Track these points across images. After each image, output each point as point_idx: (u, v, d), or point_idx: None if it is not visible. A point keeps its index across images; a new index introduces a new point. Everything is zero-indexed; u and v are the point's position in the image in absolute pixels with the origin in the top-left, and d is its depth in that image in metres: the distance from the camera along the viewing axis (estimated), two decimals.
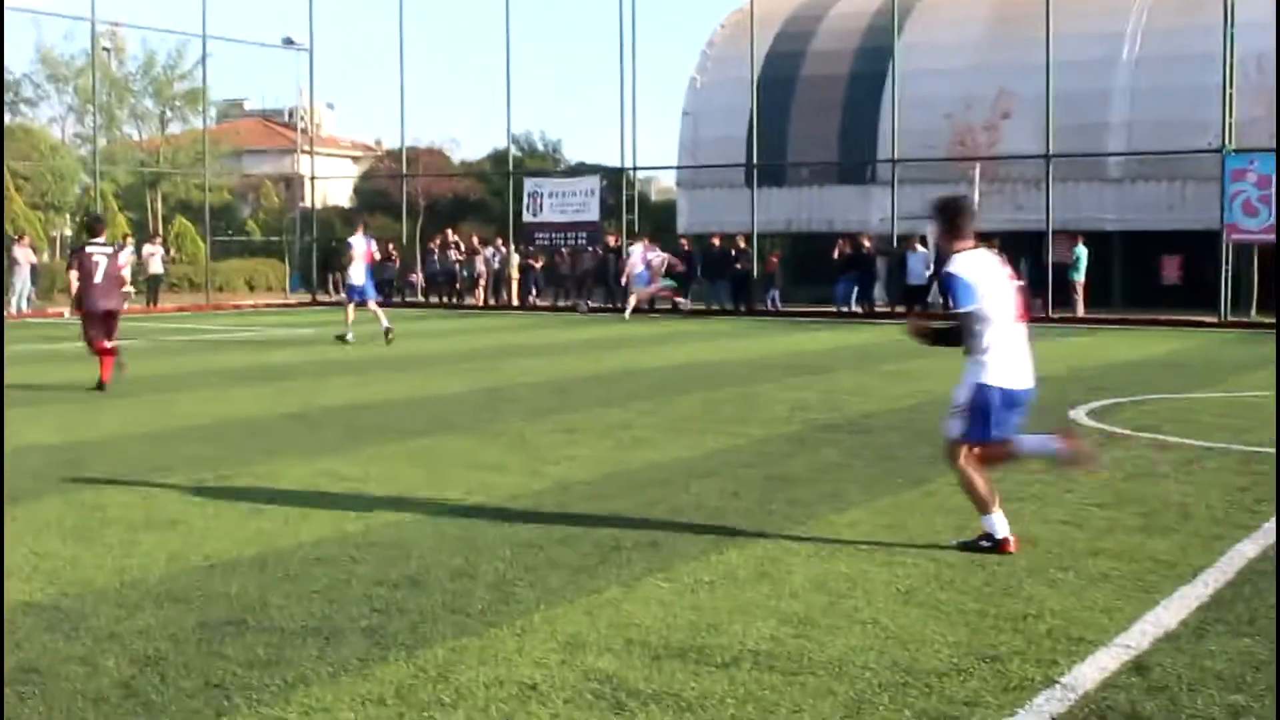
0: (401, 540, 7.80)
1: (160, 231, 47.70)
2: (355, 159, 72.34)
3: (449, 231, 43.49)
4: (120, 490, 9.41)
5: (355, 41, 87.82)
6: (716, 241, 38.15)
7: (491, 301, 41.21)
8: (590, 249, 40.12)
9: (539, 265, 41.28)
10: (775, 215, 41.29)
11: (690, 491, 9.39)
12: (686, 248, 38.87)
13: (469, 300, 41.77)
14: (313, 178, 49.13)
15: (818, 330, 29.74)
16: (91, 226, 17.49)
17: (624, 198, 41.19)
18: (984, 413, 7.34)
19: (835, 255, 36.33)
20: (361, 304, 25.16)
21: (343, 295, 28.26)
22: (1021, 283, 8.20)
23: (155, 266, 39.99)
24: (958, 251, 7.45)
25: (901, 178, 36.75)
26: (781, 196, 41.85)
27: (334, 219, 55.24)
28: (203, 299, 42.88)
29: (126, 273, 25.49)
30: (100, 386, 15.94)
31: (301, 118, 53.07)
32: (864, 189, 41.27)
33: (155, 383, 17.36)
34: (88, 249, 16.60)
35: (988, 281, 7.35)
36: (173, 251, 42.79)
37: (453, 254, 41.99)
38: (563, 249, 40.84)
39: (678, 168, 45.49)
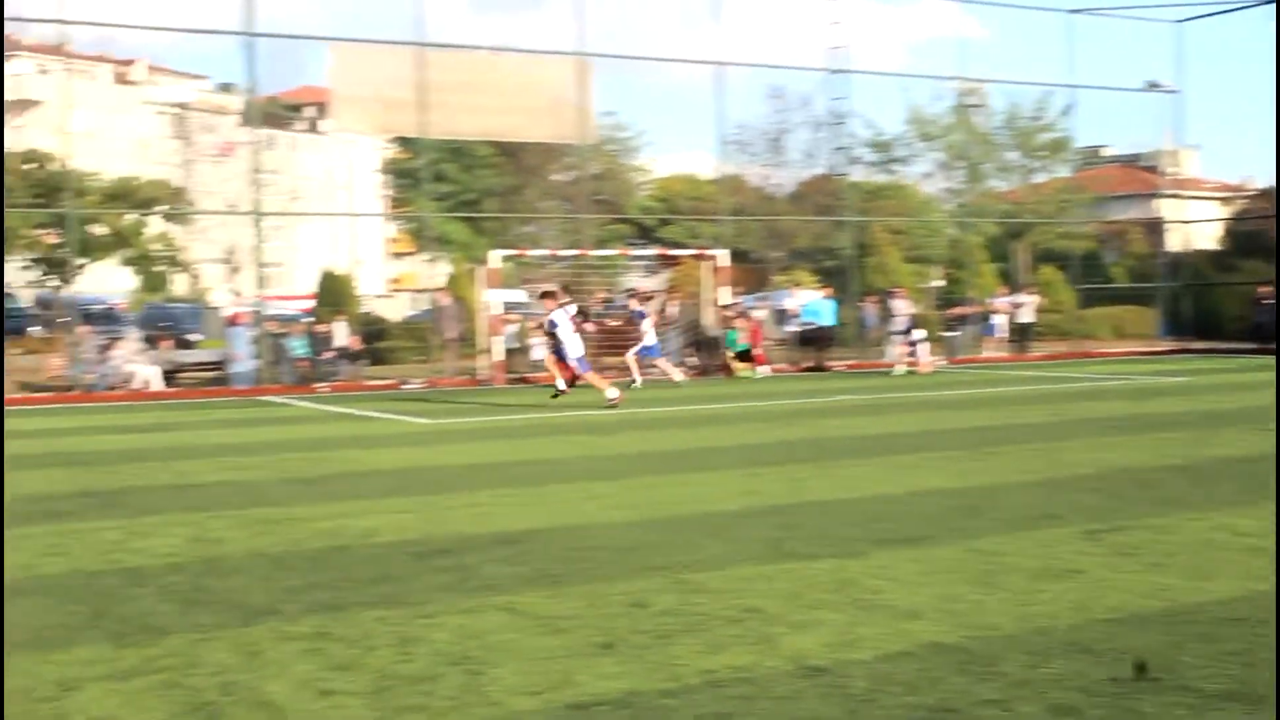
0: None
1: (1027, 281, 48.47)
2: (1221, 200, 69.85)
3: None
4: (1014, 537, 9.54)
5: (1225, 80, 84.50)
6: None
7: None
8: None
9: None
10: None
11: None
12: None
13: None
14: (1174, 221, 47.85)
15: None
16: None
17: None
18: None
19: None
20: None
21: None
22: None
23: (1026, 315, 40.78)
24: None
25: None
26: None
27: (1202, 263, 53.52)
28: (1072, 346, 43.17)
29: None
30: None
31: (1165, 160, 51.99)
32: None
33: (1042, 430, 17.55)
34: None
35: None
36: (1042, 300, 43.39)
37: None
38: None
39: None
